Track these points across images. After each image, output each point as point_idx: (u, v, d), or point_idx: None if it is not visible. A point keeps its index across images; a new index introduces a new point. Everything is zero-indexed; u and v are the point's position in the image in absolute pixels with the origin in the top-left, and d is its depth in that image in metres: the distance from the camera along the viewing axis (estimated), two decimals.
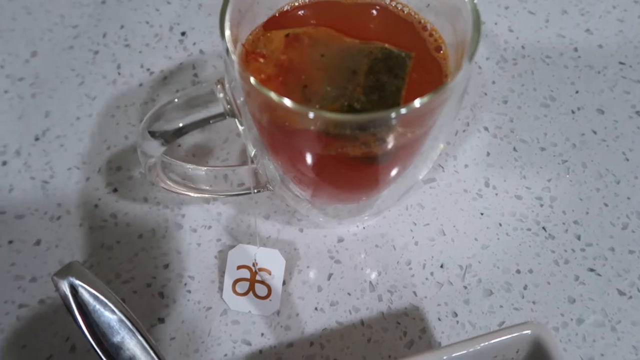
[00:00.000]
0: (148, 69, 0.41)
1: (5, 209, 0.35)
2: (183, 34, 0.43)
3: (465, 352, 0.23)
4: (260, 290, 0.31)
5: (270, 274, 0.31)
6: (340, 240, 0.34)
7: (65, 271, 0.21)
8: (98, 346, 0.21)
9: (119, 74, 0.41)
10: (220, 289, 0.32)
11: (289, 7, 0.27)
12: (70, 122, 0.38)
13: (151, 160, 0.26)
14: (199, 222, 0.34)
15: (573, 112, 0.39)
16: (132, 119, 0.38)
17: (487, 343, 0.23)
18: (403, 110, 0.21)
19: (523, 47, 0.42)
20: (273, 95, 0.21)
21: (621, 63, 0.41)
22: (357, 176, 0.27)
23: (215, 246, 0.34)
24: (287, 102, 0.20)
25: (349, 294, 0.32)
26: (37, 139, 0.38)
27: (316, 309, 0.32)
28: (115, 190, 0.36)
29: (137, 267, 0.33)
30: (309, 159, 0.25)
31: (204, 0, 0.44)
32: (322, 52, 0.25)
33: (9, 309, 0.31)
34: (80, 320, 0.20)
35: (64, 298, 0.21)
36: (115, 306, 0.21)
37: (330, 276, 0.33)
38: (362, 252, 0.34)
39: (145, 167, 0.27)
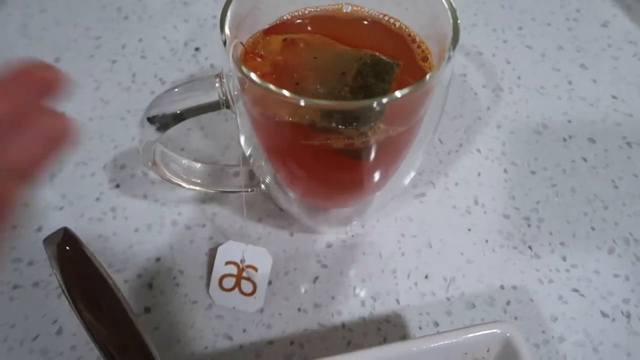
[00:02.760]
0: (160, 79, 0.43)
1: None
2: (197, 49, 0.45)
3: (435, 345, 0.23)
4: (246, 286, 0.32)
5: (256, 272, 0.32)
6: (329, 245, 0.35)
7: (55, 235, 0.22)
8: (75, 306, 0.22)
9: (133, 82, 0.43)
10: (207, 284, 0.33)
11: (289, 17, 0.30)
12: (83, 122, 0.41)
13: (148, 145, 0.28)
14: (194, 220, 0.36)
15: (564, 139, 0.40)
16: None
17: (457, 339, 0.24)
18: (384, 100, 0.22)
19: (519, 78, 0.44)
20: (258, 80, 0.22)
21: (614, 97, 0.42)
22: (343, 174, 0.28)
23: (207, 244, 0.35)
24: (272, 87, 0.22)
25: (332, 297, 0.33)
26: None
27: (299, 309, 0.32)
28: (117, 186, 0.37)
29: (130, 259, 0.34)
30: (296, 152, 0.27)
31: (218, 20, 0.47)
32: (316, 55, 0.27)
33: (3, 289, 0.33)
34: (61, 280, 0.21)
35: (50, 260, 0.22)
36: (100, 269, 0.22)
37: (316, 279, 0.34)
38: (349, 259, 0.34)
39: (141, 150, 0.29)
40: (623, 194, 0.37)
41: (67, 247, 0.22)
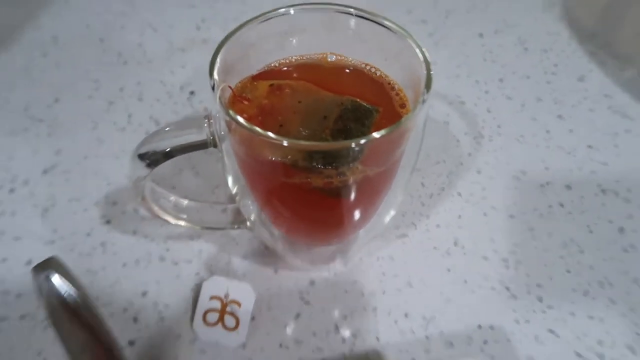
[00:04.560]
0: (155, 120, 0.45)
1: (5, 230, 0.38)
2: (192, 92, 0.47)
3: None
4: (229, 321, 0.33)
5: (240, 307, 0.33)
6: (312, 283, 0.36)
7: (44, 264, 0.23)
8: (60, 335, 0.22)
9: (129, 122, 0.45)
10: (192, 319, 0.33)
11: (276, 64, 0.32)
12: (78, 160, 0.42)
13: (138, 181, 0.29)
14: (181, 256, 0.37)
15: (542, 185, 0.42)
16: None
17: None
18: (361, 141, 0.24)
19: (499, 126, 0.46)
20: (244, 122, 0.24)
21: (589, 146, 0.44)
22: (324, 212, 0.30)
23: (193, 279, 0.35)
24: (257, 129, 0.24)
25: (314, 334, 0.33)
26: (45, 172, 0.41)
27: (281, 345, 0.33)
28: (108, 222, 0.38)
29: (116, 293, 0.35)
30: (279, 190, 0.28)
31: None
32: (300, 100, 0.29)
33: None
34: (47, 307, 0.22)
35: (38, 288, 0.23)
36: (87, 299, 0.23)
37: (298, 316, 0.34)
38: (332, 296, 0.35)
39: (131, 185, 0.30)
40: (598, 238, 0.39)
41: (55, 275, 0.23)
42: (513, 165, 0.43)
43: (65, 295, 0.23)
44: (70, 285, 0.23)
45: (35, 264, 0.35)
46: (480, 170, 0.43)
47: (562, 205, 0.41)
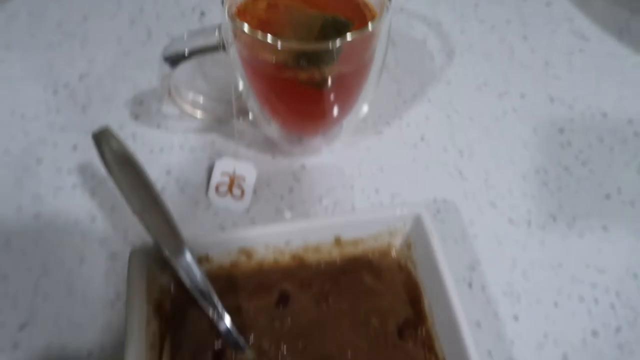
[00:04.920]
0: (172, 36, 0.52)
1: (53, 122, 0.46)
2: (202, 13, 0.54)
3: (368, 217, 0.33)
4: (236, 192, 0.42)
5: (244, 181, 0.42)
6: (303, 167, 0.44)
7: (101, 131, 0.32)
8: (122, 192, 0.31)
9: (149, 38, 0.52)
10: (207, 190, 0.42)
11: None
12: (108, 69, 0.50)
13: (164, 79, 0.37)
14: (197, 145, 0.45)
15: (500, 95, 0.49)
16: None
17: (383, 214, 0.33)
18: (337, 42, 0.31)
19: (470, 45, 0.53)
20: (247, 28, 0.32)
21: (546, 63, 0.52)
22: (310, 104, 0.38)
23: (207, 162, 0.44)
24: (258, 33, 0.31)
25: (303, 203, 0.42)
26: (81, 77, 0.49)
27: (276, 210, 0.42)
28: (136, 117, 0.47)
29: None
30: (274, 85, 0.36)
31: None
32: (291, 15, 0.36)
33: None
34: (107, 168, 0.31)
35: (98, 149, 0.31)
36: (134, 159, 0.32)
37: (291, 190, 0.43)
38: (318, 176, 0.44)
39: (160, 84, 0.38)
40: (541, 137, 0.47)
41: (110, 139, 0.31)
42: (478, 78, 0.51)
43: (119, 153, 0.31)
44: (122, 146, 0.32)
45: (80, 150, 0.44)
46: (450, 82, 0.50)
47: (515, 110, 0.48)
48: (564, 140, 0.46)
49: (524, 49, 0.53)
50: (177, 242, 0.31)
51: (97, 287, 0.38)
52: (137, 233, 0.40)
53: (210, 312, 0.31)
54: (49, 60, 0.50)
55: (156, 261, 0.32)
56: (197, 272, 0.31)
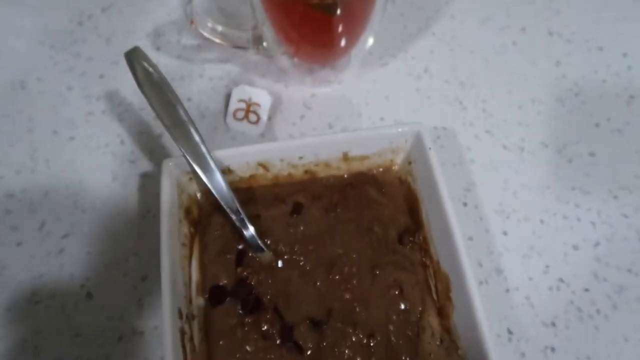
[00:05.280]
0: None
1: (80, 52, 0.49)
2: None
3: (373, 133, 0.37)
4: (252, 117, 0.45)
5: (259, 107, 0.45)
6: (313, 95, 0.48)
7: (132, 50, 0.35)
8: (153, 107, 0.34)
9: None
10: (225, 116, 0.46)
11: None
12: (129, 2, 0.52)
13: (188, 6, 0.40)
14: (215, 74, 0.48)
15: (502, 28, 0.52)
16: None
17: (387, 131, 0.37)
18: None
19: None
20: None
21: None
22: (322, 33, 0.41)
23: (225, 90, 0.48)
24: None
25: (314, 128, 0.46)
26: (103, 10, 0.52)
27: (289, 135, 0.46)
28: (158, 49, 0.50)
29: None
30: (288, 11, 0.39)
31: None
32: None
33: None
34: (139, 85, 0.34)
35: (130, 66, 0.35)
36: (162, 75, 0.35)
37: (302, 117, 0.47)
38: (327, 104, 0.47)
39: (184, 12, 0.41)
40: (537, 69, 0.49)
41: (142, 57, 0.35)
42: (481, 12, 0.53)
43: (149, 71, 0.35)
44: (152, 64, 0.35)
45: (107, 78, 0.47)
46: (454, 16, 0.53)
47: (514, 43, 0.51)
48: (559, 73, 0.49)
49: None
50: (203, 155, 0.35)
51: (130, 201, 0.43)
52: (163, 153, 0.44)
53: (234, 217, 0.35)
54: None
55: (184, 172, 0.36)
56: (222, 182, 0.35)
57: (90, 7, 0.52)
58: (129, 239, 0.41)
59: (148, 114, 0.46)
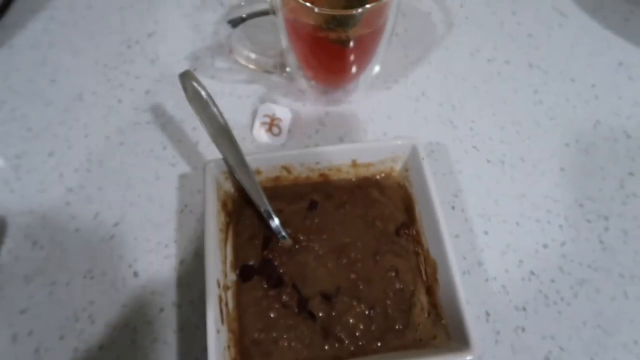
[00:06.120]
0: (220, 2, 0.63)
1: (129, 71, 0.58)
2: None
3: (377, 145, 0.45)
4: (275, 130, 0.54)
5: (281, 122, 0.54)
6: (327, 113, 0.56)
7: (185, 72, 0.43)
8: (200, 118, 0.43)
9: (202, 4, 0.63)
10: (251, 129, 0.54)
11: None
12: (170, 28, 0.61)
13: (227, 39, 0.49)
14: (243, 93, 0.57)
15: (489, 60, 0.60)
16: None
17: (389, 143, 0.45)
18: (359, 10, 0.43)
19: (466, 18, 0.63)
20: None
21: (529, 35, 0.62)
22: (336, 59, 0.49)
23: (251, 106, 0.56)
24: (300, 1, 0.43)
25: (327, 141, 0.54)
26: (149, 35, 0.60)
27: (306, 146, 0.54)
28: (195, 69, 0.58)
29: None
30: (309, 44, 0.47)
31: None
32: None
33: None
34: (189, 100, 0.42)
35: (183, 86, 0.43)
36: (210, 96, 0.44)
37: (317, 131, 0.55)
38: (338, 121, 0.56)
39: (225, 42, 0.49)
40: (518, 99, 0.58)
41: (193, 79, 0.43)
42: (471, 46, 0.62)
43: (197, 89, 0.43)
44: (200, 83, 0.44)
45: (152, 94, 0.56)
46: (448, 48, 0.61)
47: (499, 73, 0.59)
48: (537, 99, 0.58)
49: (512, 22, 0.63)
50: (239, 158, 0.43)
51: (170, 198, 0.51)
52: (199, 159, 0.52)
53: (262, 210, 0.44)
54: (121, 20, 0.62)
55: (222, 172, 0.44)
56: (254, 180, 0.43)
57: (137, 33, 0.61)
58: (169, 229, 0.49)
59: (187, 125, 0.54)
